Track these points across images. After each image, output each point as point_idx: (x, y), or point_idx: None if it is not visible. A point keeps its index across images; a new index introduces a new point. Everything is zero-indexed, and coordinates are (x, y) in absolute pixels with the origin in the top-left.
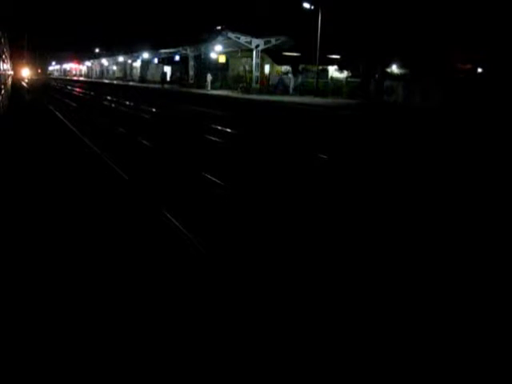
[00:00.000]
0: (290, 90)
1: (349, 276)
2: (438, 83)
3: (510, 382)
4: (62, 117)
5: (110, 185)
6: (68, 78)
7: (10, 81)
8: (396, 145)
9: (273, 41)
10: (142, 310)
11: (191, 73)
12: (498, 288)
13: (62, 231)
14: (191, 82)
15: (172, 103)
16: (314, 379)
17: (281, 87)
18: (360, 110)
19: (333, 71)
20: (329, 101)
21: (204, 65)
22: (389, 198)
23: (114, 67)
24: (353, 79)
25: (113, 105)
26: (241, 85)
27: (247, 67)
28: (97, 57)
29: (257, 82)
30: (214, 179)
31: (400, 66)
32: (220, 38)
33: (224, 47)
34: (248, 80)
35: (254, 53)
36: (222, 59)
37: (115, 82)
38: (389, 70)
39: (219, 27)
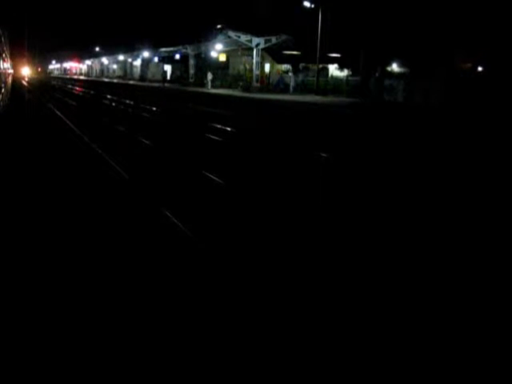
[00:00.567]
0: (291, 89)
1: (341, 270)
2: (439, 82)
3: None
4: (62, 115)
5: (110, 184)
6: (68, 76)
7: (10, 80)
8: (396, 143)
9: (273, 39)
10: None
11: (191, 71)
12: (494, 286)
13: (61, 228)
14: (191, 80)
15: (173, 102)
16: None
17: (281, 86)
18: (360, 108)
19: (333, 70)
20: (329, 99)
21: (204, 63)
22: (385, 196)
23: (115, 66)
24: (353, 78)
25: (113, 103)
26: (241, 83)
27: (247, 66)
28: (97, 55)
29: (257, 81)
30: (213, 177)
31: (400, 65)
32: (220, 37)
33: (224, 46)
34: (248, 79)
35: (255, 51)
36: (223, 58)
37: (115, 80)
38: (389, 68)
39: (219, 26)
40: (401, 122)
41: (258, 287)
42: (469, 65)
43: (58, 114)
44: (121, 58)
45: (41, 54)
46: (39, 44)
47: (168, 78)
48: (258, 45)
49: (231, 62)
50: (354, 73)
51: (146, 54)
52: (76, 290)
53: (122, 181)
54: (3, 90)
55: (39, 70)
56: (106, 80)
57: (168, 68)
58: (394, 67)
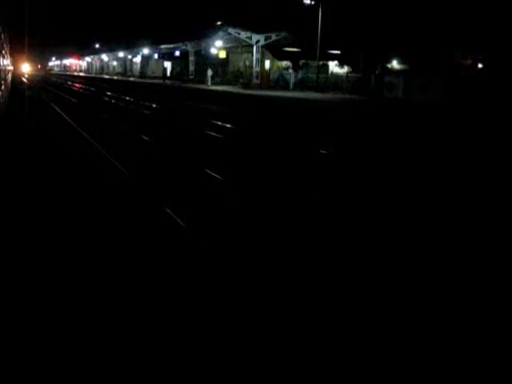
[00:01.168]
0: (291, 86)
1: (337, 266)
2: (439, 79)
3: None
4: (62, 112)
5: (109, 183)
6: (68, 73)
7: (10, 76)
8: (395, 140)
9: (273, 36)
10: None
11: (191, 68)
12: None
13: (60, 225)
14: (191, 77)
15: (173, 99)
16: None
17: (281, 83)
18: (360, 105)
19: (333, 66)
20: (329, 96)
21: (204, 60)
22: (384, 192)
23: (114, 63)
24: (353, 74)
25: (113, 100)
26: (241, 80)
27: (247, 63)
28: (97, 52)
29: (257, 78)
30: (214, 174)
31: (400, 62)
32: (220, 34)
33: (224, 43)
34: (248, 75)
35: (255, 48)
36: (223, 55)
37: (115, 77)
38: (389, 65)
39: (219, 23)
40: (401, 119)
41: (257, 285)
42: (469, 62)
43: (58, 110)
44: (121, 54)
45: (41, 50)
46: (39, 41)
47: (168, 74)
48: (257, 42)
49: (231, 58)
50: (354, 70)
51: (145, 50)
52: (75, 281)
53: (122, 180)
54: (3, 87)
55: (39, 66)
56: (106, 77)
57: (168, 65)
58: (395, 64)
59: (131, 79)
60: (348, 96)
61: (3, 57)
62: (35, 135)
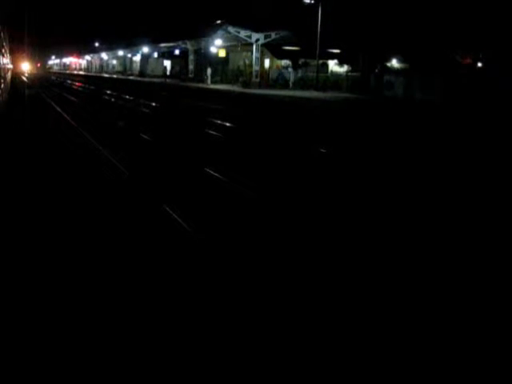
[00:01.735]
0: (290, 85)
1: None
2: (438, 77)
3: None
4: (62, 111)
5: (109, 184)
6: (68, 72)
7: (9, 75)
8: (395, 138)
9: (273, 35)
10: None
11: (191, 67)
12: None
13: (60, 224)
14: (191, 76)
15: (173, 98)
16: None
17: (281, 81)
18: (360, 103)
19: (333, 65)
20: (329, 95)
21: (204, 59)
22: (383, 191)
23: (114, 61)
24: (353, 73)
25: (112, 99)
26: (241, 79)
27: (247, 61)
28: (96, 51)
29: (257, 77)
30: (214, 174)
31: (400, 61)
32: (220, 33)
33: (224, 41)
34: (248, 74)
35: (254, 47)
36: (222, 53)
37: (115, 76)
38: (389, 64)
39: (219, 21)
40: (401, 118)
41: (256, 284)
42: (468, 61)
43: (58, 109)
44: (120, 53)
45: (40, 49)
46: (39, 39)
47: (167, 73)
48: (257, 40)
49: (231, 57)
50: (353, 68)
51: (145, 49)
52: (75, 280)
53: (121, 180)
54: (2, 86)
55: (39, 65)
56: (106, 75)
57: (168, 63)
58: (394, 63)
59: (131, 78)
60: (348, 95)
61: (3, 55)
62: (35, 134)
